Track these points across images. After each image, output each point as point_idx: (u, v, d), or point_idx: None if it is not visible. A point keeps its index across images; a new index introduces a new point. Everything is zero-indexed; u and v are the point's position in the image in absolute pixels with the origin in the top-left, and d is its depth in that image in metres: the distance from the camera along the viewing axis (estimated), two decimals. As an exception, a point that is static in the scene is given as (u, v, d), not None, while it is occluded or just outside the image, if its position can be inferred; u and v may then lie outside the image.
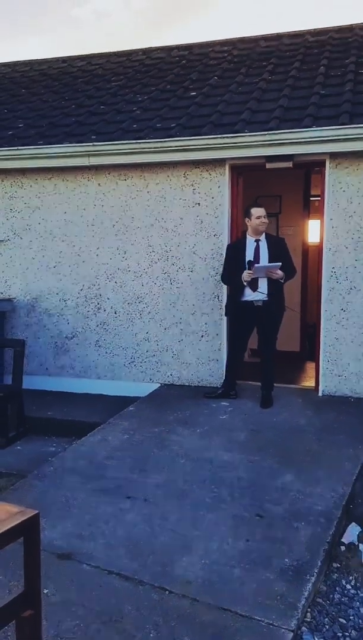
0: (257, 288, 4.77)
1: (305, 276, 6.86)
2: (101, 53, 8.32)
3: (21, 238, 6.06)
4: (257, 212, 4.84)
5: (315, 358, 5.47)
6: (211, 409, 4.88)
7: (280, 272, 4.70)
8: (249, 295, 4.82)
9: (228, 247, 5.15)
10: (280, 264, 4.71)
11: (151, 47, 8.03)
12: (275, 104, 5.43)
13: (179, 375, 5.63)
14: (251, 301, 4.82)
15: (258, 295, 4.78)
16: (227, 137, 5.08)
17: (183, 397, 5.24)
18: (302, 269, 6.77)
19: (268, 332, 4.94)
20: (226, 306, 5.18)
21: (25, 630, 1.89)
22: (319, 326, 5.23)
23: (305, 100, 5.39)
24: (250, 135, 5.02)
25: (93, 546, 2.86)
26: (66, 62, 8.33)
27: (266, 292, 4.77)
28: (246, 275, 4.71)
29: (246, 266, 4.77)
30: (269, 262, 4.77)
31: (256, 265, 4.71)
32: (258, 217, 4.82)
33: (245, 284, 4.75)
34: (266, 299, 4.78)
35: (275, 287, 4.78)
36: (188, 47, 7.70)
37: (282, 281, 4.77)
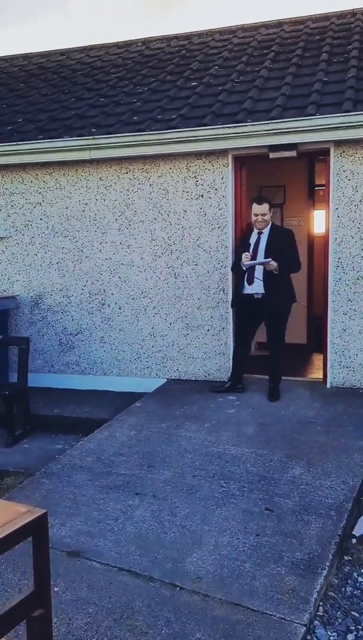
0: (253, 281, 4.73)
1: (311, 267, 6.80)
2: (100, 44, 8.25)
3: (23, 234, 6.03)
4: (255, 209, 4.78)
5: (322, 350, 5.42)
6: (218, 403, 4.85)
7: (273, 263, 4.62)
8: (248, 288, 4.79)
9: (239, 239, 5.15)
10: (269, 259, 4.63)
11: (150, 38, 7.95)
12: (277, 92, 5.36)
13: (185, 370, 5.61)
14: (252, 294, 4.78)
15: (255, 288, 4.74)
16: (229, 127, 5.02)
17: (189, 392, 5.21)
18: (308, 260, 6.71)
19: (272, 325, 4.90)
20: (232, 299, 5.15)
21: (36, 630, 1.88)
22: (326, 317, 5.18)
23: (308, 87, 5.31)
24: (252, 125, 4.96)
25: (103, 543, 2.84)
26: (64, 54, 8.26)
27: (262, 287, 4.72)
28: (244, 257, 4.71)
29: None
30: (265, 255, 4.71)
31: (245, 263, 4.69)
32: (255, 215, 4.78)
33: (244, 268, 4.72)
34: (263, 292, 4.73)
35: (272, 279, 4.71)
36: (188, 37, 7.62)
37: (276, 272, 4.67)
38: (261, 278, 4.73)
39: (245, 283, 4.80)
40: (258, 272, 4.74)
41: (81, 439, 4.45)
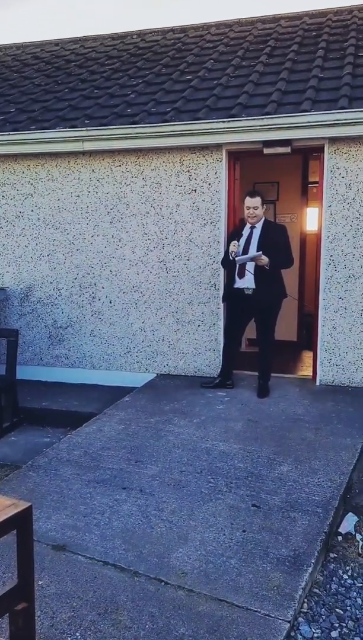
0: (244, 275, 4.72)
1: (303, 265, 6.80)
2: (95, 35, 8.17)
3: (14, 226, 5.97)
4: (247, 202, 4.77)
5: (312, 347, 5.43)
6: (207, 399, 4.84)
7: (264, 259, 4.60)
8: (239, 282, 4.77)
9: (230, 233, 5.13)
10: (260, 253, 4.61)
11: (145, 30, 7.89)
12: (272, 87, 5.34)
13: (175, 365, 5.59)
14: (242, 289, 4.76)
15: (246, 282, 4.73)
16: (223, 121, 4.99)
17: (179, 387, 5.20)
18: (300, 258, 6.71)
19: (261, 321, 4.89)
20: (223, 293, 5.13)
21: (19, 623, 1.86)
22: (317, 315, 5.18)
23: (304, 83, 5.29)
24: (247, 120, 4.93)
25: (88, 537, 2.83)
26: (59, 44, 8.18)
27: (253, 281, 4.70)
28: (232, 246, 4.70)
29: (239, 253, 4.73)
30: (257, 250, 4.69)
31: (237, 258, 4.68)
32: (247, 208, 4.77)
33: (231, 257, 4.70)
34: (254, 287, 4.71)
35: (263, 275, 4.69)
36: (184, 30, 7.57)
37: (267, 267, 4.66)
38: (252, 271, 4.71)
39: (236, 277, 4.79)
40: (250, 265, 4.72)
41: (69, 432, 4.43)
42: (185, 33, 7.45)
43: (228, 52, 6.50)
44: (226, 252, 4.93)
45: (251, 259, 4.64)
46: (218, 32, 7.23)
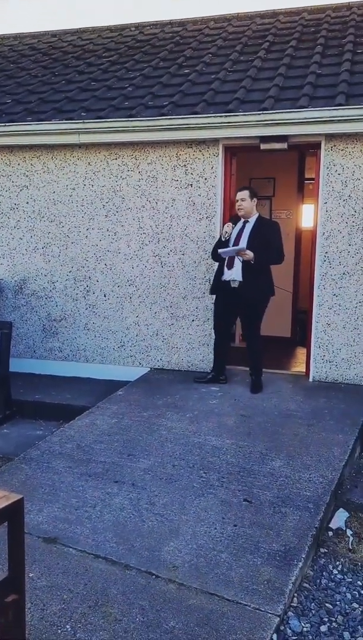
0: (233, 266, 4.72)
1: (298, 261, 6.81)
2: (93, 27, 8.12)
3: (8, 218, 5.94)
4: (237, 195, 4.79)
5: (306, 344, 5.44)
6: (200, 393, 4.85)
7: (249, 254, 4.60)
8: (226, 274, 4.77)
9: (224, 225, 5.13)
10: (243, 247, 4.60)
11: (144, 23, 7.84)
12: (270, 83, 5.32)
13: (169, 359, 5.59)
14: (228, 281, 4.76)
15: (233, 274, 4.72)
16: (220, 116, 4.97)
17: (172, 382, 5.20)
18: (295, 255, 6.72)
19: (246, 316, 4.89)
20: (211, 286, 5.10)
21: (9, 615, 1.86)
22: (311, 312, 5.19)
23: (301, 79, 5.28)
24: (244, 115, 4.92)
25: (80, 530, 2.83)
26: (56, 36, 8.12)
27: (240, 273, 4.70)
28: (226, 227, 4.76)
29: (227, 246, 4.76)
30: (248, 245, 4.67)
31: (220, 250, 4.69)
32: (236, 201, 4.78)
33: (224, 238, 4.75)
34: (240, 280, 4.70)
35: (250, 269, 4.66)
36: (182, 24, 7.53)
37: (253, 262, 4.64)
38: (239, 267, 4.69)
39: (225, 268, 4.77)
40: (237, 261, 4.70)
41: (61, 425, 4.42)
42: (184, 27, 7.41)
43: (226, 47, 6.47)
44: (216, 243, 4.91)
45: (235, 252, 4.62)
46: (217, 26, 7.20)
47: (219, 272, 4.87)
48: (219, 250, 4.67)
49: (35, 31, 8.43)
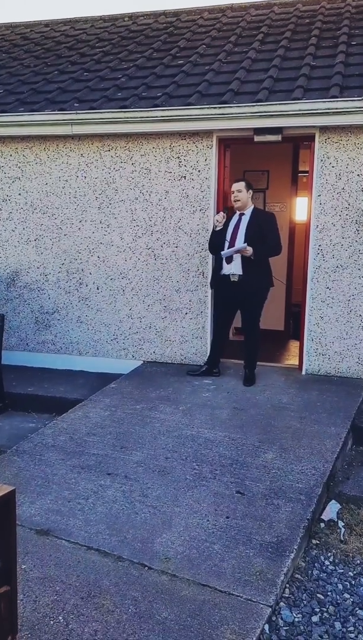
0: (232, 260, 4.72)
1: (291, 254, 6.80)
2: (86, 17, 8.03)
3: (0, 209, 5.89)
4: (233, 187, 4.78)
5: (299, 337, 5.45)
6: (194, 386, 4.85)
7: (249, 250, 4.61)
8: (225, 269, 4.77)
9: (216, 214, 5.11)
10: (244, 245, 4.61)
11: (137, 13, 7.77)
12: (264, 74, 5.29)
13: (162, 352, 5.58)
14: (228, 275, 4.76)
15: (232, 269, 4.72)
16: (214, 107, 4.94)
17: (165, 375, 5.20)
18: (288, 247, 6.71)
19: (249, 309, 4.90)
20: (211, 280, 5.12)
21: (1, 606, 1.86)
22: (304, 305, 5.19)
23: (296, 71, 5.25)
24: (238, 106, 4.89)
25: (72, 522, 2.83)
26: (49, 25, 8.03)
27: (240, 266, 4.70)
28: (218, 216, 4.79)
29: (225, 245, 4.74)
30: (245, 238, 4.68)
31: (222, 253, 4.69)
32: (232, 192, 4.76)
33: (221, 230, 4.77)
34: (240, 273, 4.71)
35: (250, 262, 4.68)
36: (176, 14, 7.46)
37: (252, 257, 4.65)
38: (239, 260, 4.70)
39: (224, 262, 4.77)
40: (236, 255, 4.70)
41: (54, 418, 4.42)
42: (177, 17, 7.35)
43: (220, 38, 6.42)
44: (212, 234, 4.90)
45: (237, 251, 4.63)
46: (211, 16, 7.15)
47: (218, 267, 4.86)
48: (222, 253, 4.69)
49: (27, 21, 8.33)
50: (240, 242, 4.68)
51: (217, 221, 4.77)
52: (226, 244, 4.73)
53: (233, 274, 4.73)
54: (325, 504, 3.27)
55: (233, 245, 4.69)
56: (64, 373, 5.67)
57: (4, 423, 4.77)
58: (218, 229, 4.79)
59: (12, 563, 1.87)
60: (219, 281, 4.87)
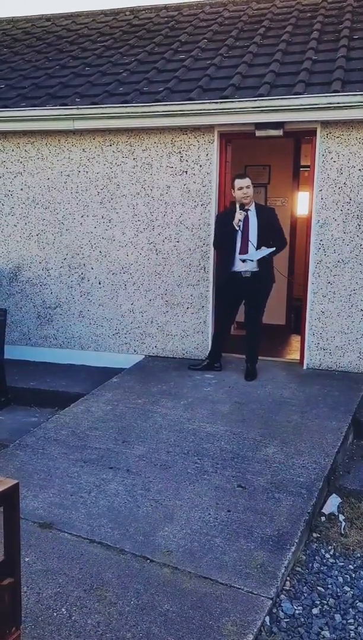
0: (247, 252, 4.70)
1: (293, 249, 6.80)
2: (87, 11, 8.00)
3: (2, 204, 5.89)
4: (239, 183, 4.72)
5: (300, 331, 5.46)
6: (195, 381, 4.87)
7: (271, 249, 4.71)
8: (239, 266, 4.76)
9: (217, 218, 5.07)
10: (273, 249, 4.67)
11: (139, 7, 7.74)
12: (266, 69, 5.28)
13: (163, 347, 5.60)
14: (240, 272, 4.76)
15: (247, 265, 4.73)
16: (216, 102, 4.93)
17: (167, 369, 5.22)
18: (290, 242, 6.70)
19: (254, 304, 4.91)
20: (218, 277, 5.11)
21: (5, 598, 1.88)
22: (305, 299, 5.20)
23: (297, 65, 5.24)
24: (239, 101, 4.88)
25: (75, 515, 2.86)
26: (50, 20, 8.00)
27: (256, 264, 4.72)
28: (238, 214, 4.64)
29: (237, 240, 4.71)
30: (258, 232, 4.70)
31: (246, 256, 4.67)
32: (240, 189, 4.72)
33: (239, 229, 4.67)
34: (256, 269, 4.72)
35: (263, 259, 4.71)
36: (178, 8, 7.43)
37: (269, 256, 4.70)
38: (255, 245, 4.70)
39: (235, 261, 4.76)
40: (252, 247, 4.70)
41: (56, 412, 4.44)
42: (179, 11, 7.32)
43: (222, 32, 6.40)
44: (221, 232, 4.85)
45: (268, 255, 4.65)
46: (213, 11, 7.11)
47: (228, 264, 4.82)
48: (253, 258, 4.65)
49: (29, 15, 8.30)
50: (253, 239, 4.70)
51: (240, 220, 4.67)
52: (238, 240, 4.68)
53: (245, 271, 4.74)
54: (326, 498, 3.29)
55: (247, 241, 4.68)
56: (66, 367, 5.69)
57: (6, 417, 4.80)
58: (238, 228, 4.69)
59: (16, 556, 1.90)
60: (228, 278, 4.85)
